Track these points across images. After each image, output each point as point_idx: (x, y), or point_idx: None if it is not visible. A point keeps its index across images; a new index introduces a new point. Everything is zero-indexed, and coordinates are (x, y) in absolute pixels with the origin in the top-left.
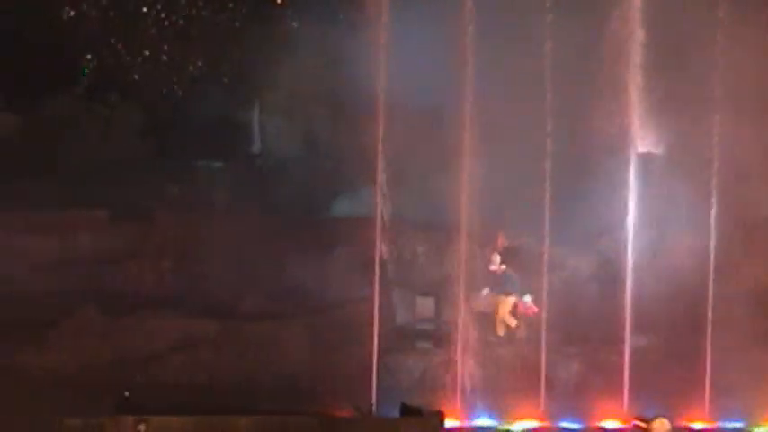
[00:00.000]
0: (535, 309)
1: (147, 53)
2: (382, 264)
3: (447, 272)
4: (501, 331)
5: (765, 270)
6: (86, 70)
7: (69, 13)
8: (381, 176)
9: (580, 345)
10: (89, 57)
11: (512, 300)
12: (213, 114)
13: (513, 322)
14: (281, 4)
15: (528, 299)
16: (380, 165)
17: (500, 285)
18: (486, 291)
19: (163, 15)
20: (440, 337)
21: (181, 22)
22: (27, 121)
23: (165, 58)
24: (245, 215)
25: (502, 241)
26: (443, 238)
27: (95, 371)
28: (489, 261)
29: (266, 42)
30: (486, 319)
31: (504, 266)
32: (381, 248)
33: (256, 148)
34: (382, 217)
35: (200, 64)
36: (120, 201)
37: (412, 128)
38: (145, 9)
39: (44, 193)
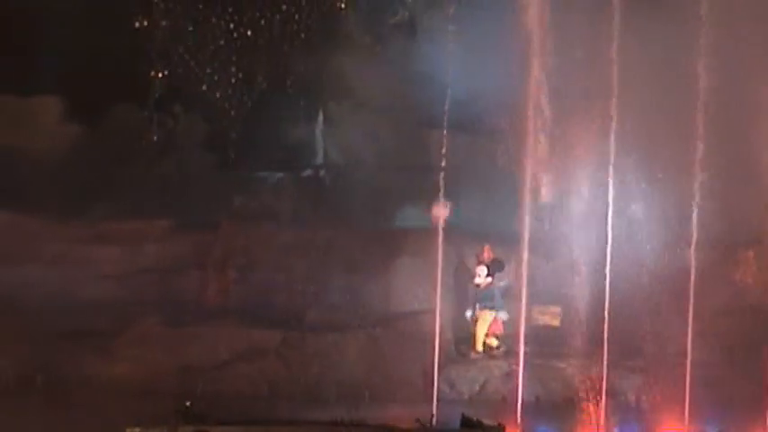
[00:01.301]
0: (500, 327)
1: (215, 64)
2: (444, 275)
3: (508, 285)
4: (479, 347)
5: None
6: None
7: (142, 23)
8: (445, 187)
9: (641, 358)
10: (158, 68)
11: (491, 315)
12: (278, 125)
13: (493, 342)
14: (346, 16)
15: (503, 315)
16: (444, 176)
17: (485, 300)
18: (468, 313)
19: (231, 26)
20: (501, 349)
21: (249, 32)
22: (93, 131)
23: (233, 69)
24: (308, 226)
25: (488, 254)
26: (506, 250)
27: (158, 380)
28: (474, 274)
29: (331, 54)
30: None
31: (490, 279)
32: (444, 260)
33: (320, 158)
34: (445, 228)
35: (266, 75)
36: (185, 211)
37: (476, 139)
38: (214, 20)
39: (109, 203)
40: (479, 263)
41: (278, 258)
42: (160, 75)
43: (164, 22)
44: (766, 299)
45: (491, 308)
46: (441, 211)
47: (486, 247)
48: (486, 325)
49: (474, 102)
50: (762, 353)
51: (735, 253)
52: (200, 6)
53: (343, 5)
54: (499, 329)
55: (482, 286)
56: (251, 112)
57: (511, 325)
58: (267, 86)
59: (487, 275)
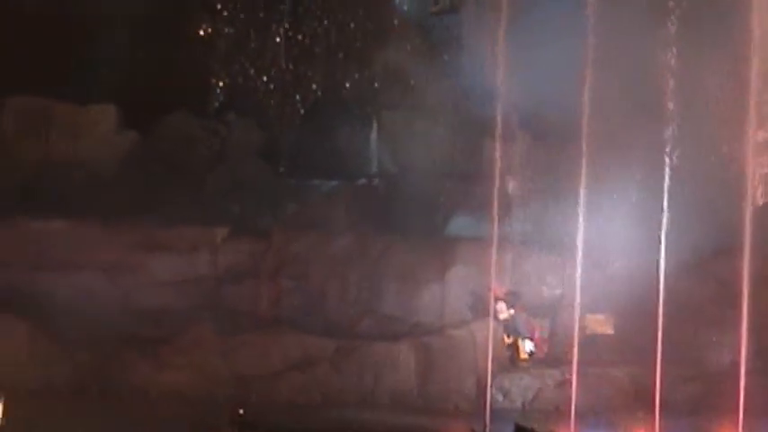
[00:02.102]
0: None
1: (270, 72)
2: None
3: (561, 293)
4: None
5: None
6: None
7: (206, 31)
8: (498, 197)
9: (695, 368)
10: (213, 76)
11: (523, 342)
12: (332, 133)
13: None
14: (401, 26)
15: (529, 346)
16: (497, 185)
17: (513, 332)
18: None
19: (288, 34)
20: (554, 359)
21: (305, 40)
22: (148, 139)
23: (288, 76)
24: (361, 234)
25: (497, 290)
26: (559, 259)
27: (211, 388)
28: (497, 312)
29: (386, 62)
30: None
31: (512, 311)
32: (497, 269)
33: (374, 167)
34: (498, 238)
35: (320, 82)
36: (239, 219)
37: (529, 148)
38: (273, 27)
39: (164, 211)
40: (497, 300)
41: (331, 267)
42: (215, 83)
43: (227, 30)
44: None
45: (523, 338)
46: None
47: (494, 285)
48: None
49: (529, 107)
50: None
51: None
52: (261, 15)
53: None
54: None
55: (509, 320)
56: (305, 119)
57: (564, 333)
58: (321, 94)
59: (509, 308)
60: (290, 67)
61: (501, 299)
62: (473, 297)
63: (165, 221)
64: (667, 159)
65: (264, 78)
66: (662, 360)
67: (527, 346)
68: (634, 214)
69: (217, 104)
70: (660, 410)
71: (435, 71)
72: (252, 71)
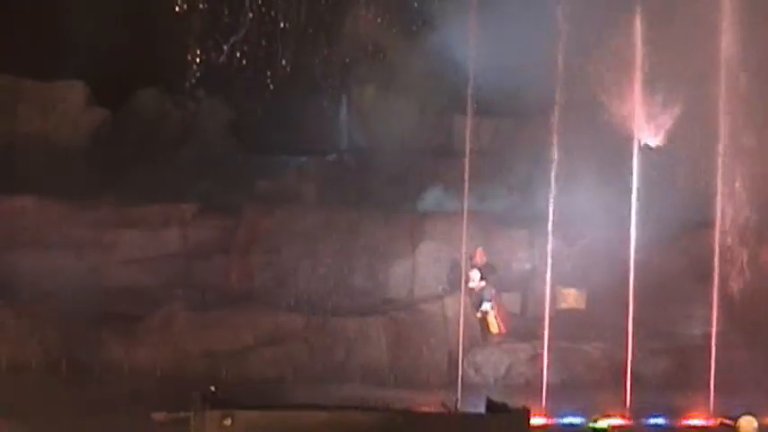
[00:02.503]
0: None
1: (239, 48)
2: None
3: (533, 267)
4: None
5: None
6: None
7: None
8: (468, 171)
9: (667, 342)
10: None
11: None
12: (302, 109)
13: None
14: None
15: (486, 306)
16: (468, 159)
17: (479, 302)
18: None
19: (262, 10)
20: (525, 333)
21: (275, 15)
22: (117, 116)
23: (257, 52)
24: (332, 210)
25: (480, 257)
26: (528, 233)
27: (183, 365)
28: (467, 278)
29: (356, 38)
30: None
31: (483, 283)
32: (468, 244)
33: (345, 142)
34: (468, 213)
35: (290, 58)
36: (209, 195)
37: (500, 123)
38: (245, 2)
39: (133, 188)
40: (472, 266)
41: (302, 242)
42: (185, 59)
43: (198, 6)
44: None
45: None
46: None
47: (479, 251)
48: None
49: (500, 85)
50: None
51: (761, 234)
52: None
53: None
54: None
55: (476, 290)
56: (275, 95)
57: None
58: (291, 70)
59: (481, 279)
60: (260, 43)
61: (477, 267)
62: (444, 272)
63: (135, 198)
64: (637, 135)
65: (235, 54)
66: (633, 334)
67: (484, 306)
68: (605, 189)
69: (186, 81)
70: (632, 385)
71: (406, 46)
72: (222, 47)
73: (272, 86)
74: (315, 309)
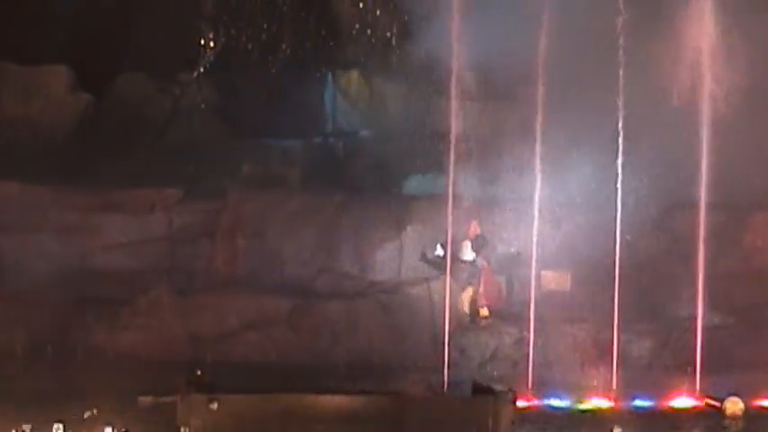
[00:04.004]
0: (492, 298)
1: (224, 31)
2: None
3: (518, 250)
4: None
5: None
6: None
7: None
8: (453, 155)
9: (653, 323)
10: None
11: (469, 291)
12: (287, 92)
13: (484, 312)
14: None
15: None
16: (453, 143)
17: (467, 276)
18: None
19: None
20: (511, 316)
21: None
22: (102, 100)
23: (242, 36)
24: (318, 193)
25: (474, 230)
26: (515, 216)
27: (169, 349)
28: (461, 249)
29: (341, 21)
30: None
31: (474, 255)
32: (453, 227)
33: (330, 126)
34: (454, 196)
35: (275, 42)
36: (194, 179)
37: (484, 107)
38: None
39: (118, 172)
40: (464, 239)
41: (287, 226)
42: (169, 43)
43: None
44: None
45: (469, 283)
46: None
47: (474, 223)
48: (466, 301)
49: (486, 69)
50: None
51: (745, 216)
52: None
53: None
54: (489, 301)
55: (468, 262)
56: (260, 79)
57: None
58: (277, 53)
59: (472, 251)
60: (246, 26)
61: (471, 239)
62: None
63: (120, 183)
64: (622, 118)
65: (220, 38)
66: (619, 315)
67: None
68: (590, 171)
69: (170, 65)
70: (618, 366)
71: (392, 30)
72: (207, 31)
73: (256, 70)
74: (300, 293)
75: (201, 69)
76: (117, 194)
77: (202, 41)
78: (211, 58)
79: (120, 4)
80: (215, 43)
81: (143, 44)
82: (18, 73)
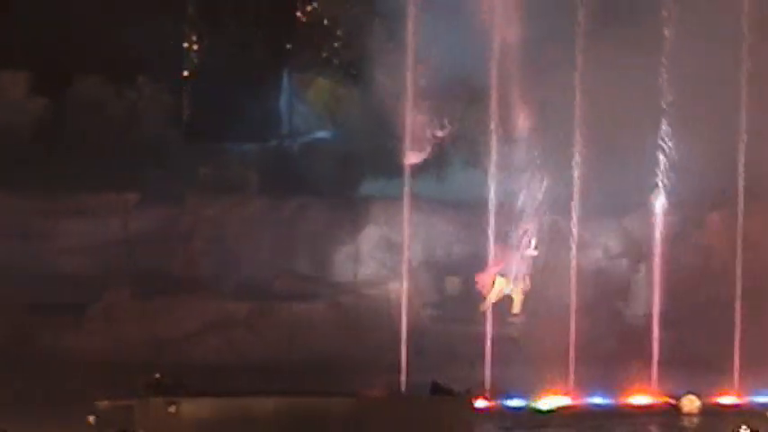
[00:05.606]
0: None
1: (181, 36)
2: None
3: (474, 251)
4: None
5: None
6: None
7: None
8: (409, 157)
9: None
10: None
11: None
12: (243, 97)
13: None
14: None
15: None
16: (408, 145)
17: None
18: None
19: None
20: (469, 316)
21: (217, 4)
22: (59, 105)
23: (199, 41)
24: (275, 196)
25: (527, 225)
26: (470, 218)
27: (128, 352)
28: (528, 246)
29: (295, 26)
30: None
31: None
32: (410, 228)
33: (286, 129)
34: (410, 197)
35: (231, 47)
36: (152, 184)
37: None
38: None
39: (75, 176)
40: (526, 234)
41: (245, 229)
42: (126, 48)
43: None
44: (731, 260)
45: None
46: None
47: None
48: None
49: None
50: (728, 314)
51: (700, 215)
52: None
53: None
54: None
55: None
56: (217, 84)
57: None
58: (233, 58)
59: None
60: (204, 31)
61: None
62: (387, 255)
63: (78, 187)
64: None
65: (177, 42)
66: (576, 314)
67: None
68: (544, 172)
69: (127, 69)
70: (576, 365)
71: (346, 33)
72: (162, 36)
73: (213, 74)
74: (258, 295)
75: (159, 74)
76: (75, 199)
77: (160, 46)
78: (169, 63)
79: (78, 9)
80: (173, 48)
81: (101, 49)
82: None
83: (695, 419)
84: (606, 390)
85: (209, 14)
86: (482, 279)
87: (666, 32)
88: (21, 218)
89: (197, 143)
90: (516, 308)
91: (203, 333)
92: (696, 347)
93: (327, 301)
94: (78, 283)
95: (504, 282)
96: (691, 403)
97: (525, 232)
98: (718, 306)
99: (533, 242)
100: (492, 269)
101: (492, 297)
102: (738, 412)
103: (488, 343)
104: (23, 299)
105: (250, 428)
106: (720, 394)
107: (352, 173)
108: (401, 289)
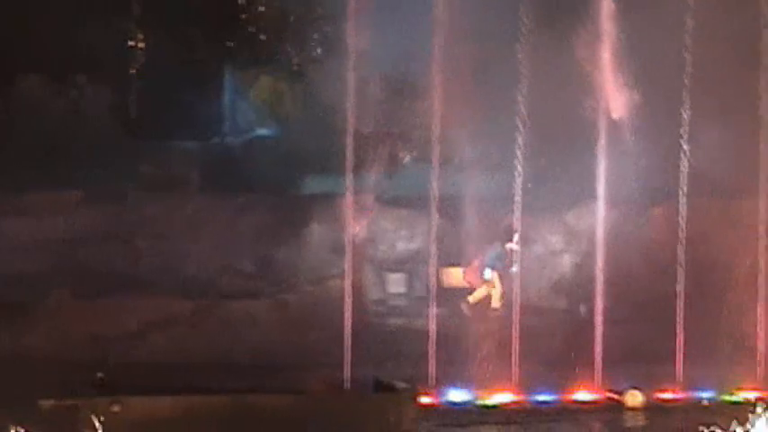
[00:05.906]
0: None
1: (121, 32)
2: (354, 241)
3: (417, 248)
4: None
5: (738, 240)
6: None
7: None
8: (352, 153)
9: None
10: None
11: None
12: (184, 93)
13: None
14: None
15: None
16: (351, 142)
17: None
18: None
19: None
20: (412, 313)
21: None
22: None
23: (139, 36)
24: (217, 194)
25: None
26: (413, 214)
27: (70, 352)
28: (511, 241)
29: (238, 21)
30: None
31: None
32: (353, 226)
33: (227, 126)
34: (353, 194)
35: (171, 43)
36: (92, 182)
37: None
38: None
39: (15, 174)
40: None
41: (187, 227)
42: (66, 45)
43: None
44: (675, 256)
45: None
46: None
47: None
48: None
49: (384, 62)
50: (672, 310)
51: (644, 210)
52: None
53: None
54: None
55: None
56: (156, 80)
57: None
58: (173, 55)
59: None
60: (143, 28)
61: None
62: (330, 253)
63: (18, 185)
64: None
65: (118, 39)
66: (520, 311)
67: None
68: (490, 167)
69: (67, 67)
70: (519, 361)
71: (288, 28)
72: (103, 33)
73: (154, 71)
74: (202, 293)
75: (102, 72)
76: (16, 198)
77: (100, 43)
78: (110, 60)
79: (20, 7)
80: (113, 45)
81: (40, 46)
82: None
83: (639, 414)
84: (550, 386)
85: (154, 13)
86: (469, 273)
87: (610, 28)
88: None
89: (140, 141)
90: (495, 302)
91: (147, 331)
92: (640, 342)
93: (271, 299)
94: (20, 283)
95: (494, 275)
96: (634, 398)
97: (506, 227)
98: (661, 300)
99: (515, 236)
100: (474, 263)
101: (482, 291)
102: (681, 407)
103: (433, 339)
104: None
105: (195, 427)
106: (664, 389)
107: (295, 170)
108: (345, 286)
